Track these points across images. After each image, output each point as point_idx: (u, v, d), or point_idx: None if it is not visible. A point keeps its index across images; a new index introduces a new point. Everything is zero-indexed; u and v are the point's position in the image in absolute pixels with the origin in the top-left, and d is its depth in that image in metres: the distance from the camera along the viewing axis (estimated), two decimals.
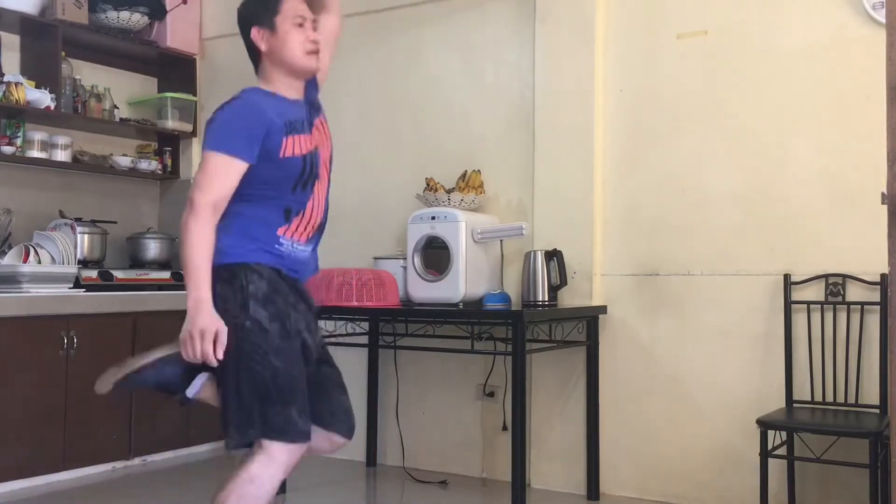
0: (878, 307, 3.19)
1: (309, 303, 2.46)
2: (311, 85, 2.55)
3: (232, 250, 2.31)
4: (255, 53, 2.52)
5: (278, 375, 2.27)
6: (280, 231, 2.37)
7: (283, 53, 2.43)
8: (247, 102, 2.39)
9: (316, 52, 2.45)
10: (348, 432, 2.50)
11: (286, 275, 2.37)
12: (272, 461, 2.24)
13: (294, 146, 2.36)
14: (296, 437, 2.27)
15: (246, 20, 2.49)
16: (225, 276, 2.29)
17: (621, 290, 3.74)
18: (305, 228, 2.42)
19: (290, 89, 2.47)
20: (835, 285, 3.28)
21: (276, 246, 2.36)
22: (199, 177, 2.33)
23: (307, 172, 2.40)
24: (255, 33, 2.46)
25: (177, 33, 4.82)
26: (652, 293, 3.67)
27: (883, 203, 1.80)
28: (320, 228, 2.49)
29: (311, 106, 2.53)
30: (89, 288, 4.18)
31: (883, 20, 2.98)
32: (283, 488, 3.77)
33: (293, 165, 2.36)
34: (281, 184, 2.37)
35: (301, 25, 2.43)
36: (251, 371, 2.26)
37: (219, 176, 2.31)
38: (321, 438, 2.44)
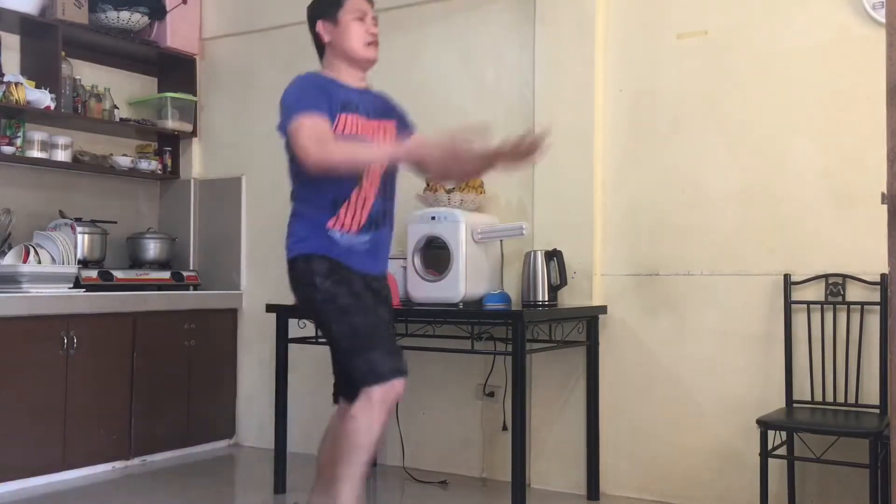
0: (878, 307, 3.19)
1: (382, 290, 2.77)
2: (387, 99, 2.85)
3: (293, 246, 2.67)
4: (320, 46, 2.80)
5: (355, 328, 2.56)
6: (329, 223, 2.63)
7: (344, 44, 2.72)
8: (302, 81, 2.65)
9: (375, 44, 2.75)
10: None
11: (345, 265, 2.63)
12: (369, 401, 2.49)
13: (348, 124, 2.62)
14: (382, 377, 2.50)
15: (312, 15, 2.79)
16: (292, 269, 2.66)
17: (621, 290, 3.74)
18: (354, 218, 2.65)
19: (352, 78, 2.74)
20: (835, 285, 3.28)
21: (326, 236, 2.63)
22: (297, 147, 2.50)
23: None
24: (320, 26, 2.75)
25: (177, 33, 4.82)
26: (652, 293, 3.67)
27: (883, 203, 1.80)
28: (372, 222, 2.69)
29: (378, 104, 2.78)
30: (89, 288, 4.18)
31: (883, 20, 2.98)
32: (283, 488, 3.78)
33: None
34: None
35: (361, 19, 2.73)
36: (332, 333, 2.62)
37: (305, 130, 2.49)
38: None
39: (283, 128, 2.58)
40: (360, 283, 2.65)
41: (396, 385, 2.52)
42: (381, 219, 2.73)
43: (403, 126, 2.87)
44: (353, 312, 2.58)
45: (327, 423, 2.93)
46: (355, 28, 2.71)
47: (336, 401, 2.84)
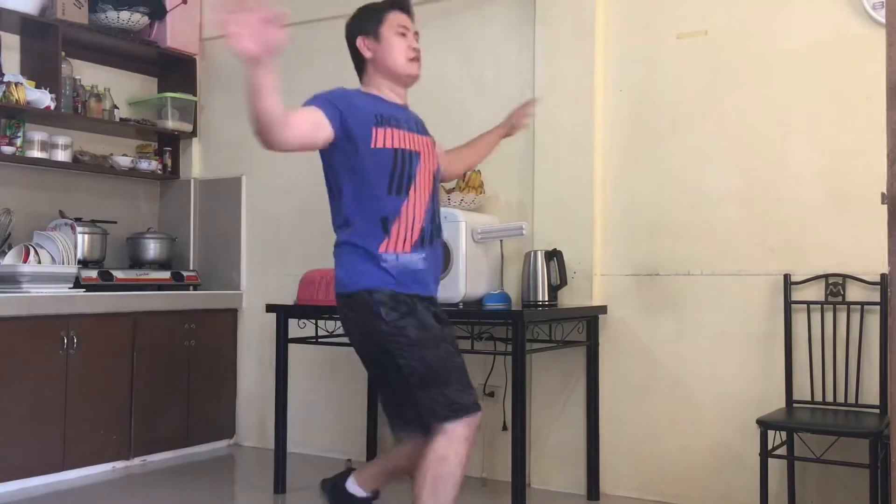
0: (878, 307, 3.19)
1: (441, 314, 2.64)
2: (419, 119, 2.75)
3: (348, 280, 2.52)
4: (360, 62, 2.70)
5: (427, 362, 2.45)
6: (381, 248, 2.50)
7: (387, 59, 2.63)
8: (332, 90, 2.55)
9: (418, 60, 2.68)
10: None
11: (406, 294, 2.51)
12: (452, 439, 2.41)
13: (385, 138, 2.51)
14: (461, 413, 2.43)
15: (352, 31, 2.69)
16: (350, 303, 2.52)
17: (621, 290, 3.74)
18: (407, 236, 2.53)
19: (393, 94, 2.67)
20: (835, 285, 3.28)
21: (382, 265, 2.49)
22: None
23: (399, 168, 2.53)
24: (361, 42, 2.66)
25: (177, 33, 4.82)
26: (652, 293, 3.67)
27: (883, 203, 1.80)
28: (425, 238, 2.58)
29: (420, 122, 2.71)
30: (89, 288, 4.18)
31: (883, 20, 2.98)
32: (283, 488, 3.78)
33: (384, 157, 2.50)
34: (375, 180, 2.50)
35: (403, 35, 2.65)
36: (400, 366, 2.46)
37: (300, 113, 2.41)
38: None
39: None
40: (424, 311, 2.53)
41: (476, 419, 2.48)
42: (432, 234, 2.62)
43: (424, 128, 2.79)
44: (425, 345, 2.47)
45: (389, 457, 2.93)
46: (398, 43, 2.64)
47: (397, 437, 2.74)
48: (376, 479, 2.83)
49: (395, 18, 2.66)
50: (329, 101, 2.48)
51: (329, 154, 2.55)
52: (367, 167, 2.50)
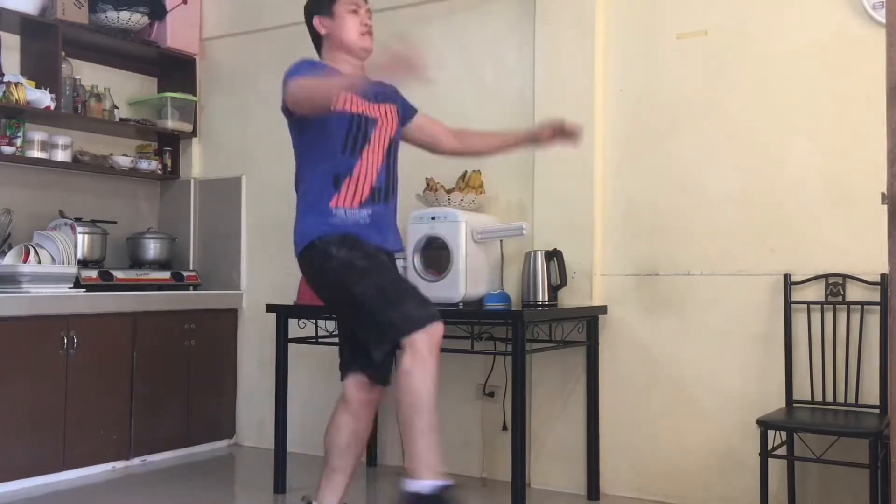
0: (878, 307, 3.19)
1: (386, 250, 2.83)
2: (394, 89, 2.95)
3: (300, 238, 2.76)
4: (317, 40, 2.95)
5: (379, 286, 2.61)
6: (331, 203, 2.72)
7: (341, 35, 2.85)
8: (299, 61, 2.79)
9: (370, 34, 2.88)
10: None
11: (353, 234, 2.72)
12: (416, 351, 2.50)
13: (346, 102, 2.72)
14: (420, 323, 2.51)
15: (309, 10, 2.93)
16: (308, 256, 2.74)
17: (621, 290, 3.74)
18: (356, 193, 2.75)
19: (351, 68, 2.86)
20: (835, 285, 3.28)
21: (331, 218, 2.71)
22: (289, 91, 2.68)
23: (355, 130, 2.75)
24: (317, 21, 2.89)
25: (177, 33, 4.82)
26: (652, 293, 3.67)
27: (883, 203, 1.80)
28: (375, 193, 2.79)
29: (380, 90, 2.86)
30: (89, 288, 4.18)
31: (883, 20, 2.98)
32: (283, 488, 3.78)
33: (342, 119, 2.72)
34: (331, 140, 2.73)
35: (356, 12, 2.87)
36: (355, 295, 2.62)
37: (292, 84, 2.67)
38: None
39: (284, 104, 2.72)
40: (371, 247, 2.72)
41: (437, 329, 2.55)
42: (383, 193, 2.83)
43: (406, 110, 3.02)
44: (374, 272, 2.65)
45: (331, 416, 2.93)
46: (350, 20, 2.85)
47: (344, 377, 2.86)
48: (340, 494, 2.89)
49: None
50: (313, 67, 2.76)
51: (298, 116, 2.75)
52: (328, 126, 2.72)
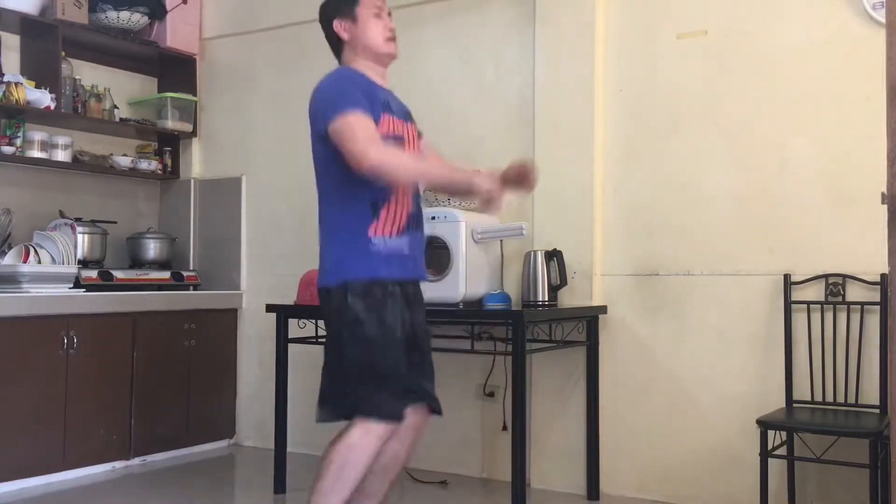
0: (878, 307, 3.19)
1: (415, 295, 2.69)
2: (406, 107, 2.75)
3: (335, 270, 2.53)
4: (336, 45, 2.71)
5: (371, 363, 2.48)
6: (370, 231, 2.51)
7: (367, 40, 2.63)
8: (340, 77, 2.59)
9: (393, 39, 2.67)
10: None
11: (386, 279, 2.53)
12: (367, 433, 2.45)
13: (390, 126, 2.55)
14: (384, 416, 2.46)
15: (327, 14, 2.70)
16: (329, 295, 2.53)
17: (621, 290, 3.74)
18: (395, 220, 2.56)
19: (377, 76, 2.65)
20: (835, 285, 3.28)
21: (371, 248, 2.51)
22: (347, 146, 2.42)
23: None
24: (338, 25, 2.66)
25: (177, 33, 4.82)
26: (652, 293, 3.67)
27: (883, 203, 1.80)
28: (412, 220, 2.62)
29: (402, 106, 2.71)
30: (89, 288, 4.18)
31: (883, 20, 2.98)
32: (283, 488, 3.78)
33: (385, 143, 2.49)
34: None
35: (378, 15, 2.65)
36: (347, 355, 2.50)
37: (357, 129, 2.42)
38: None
39: (322, 127, 2.47)
40: (397, 305, 2.54)
41: (395, 428, 2.50)
42: (416, 219, 2.66)
43: (418, 132, 2.79)
44: (377, 346, 2.49)
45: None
46: (374, 24, 2.63)
47: (407, 407, 2.59)
48: None
49: (369, 0, 2.67)
50: (360, 97, 2.49)
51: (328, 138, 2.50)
52: None
